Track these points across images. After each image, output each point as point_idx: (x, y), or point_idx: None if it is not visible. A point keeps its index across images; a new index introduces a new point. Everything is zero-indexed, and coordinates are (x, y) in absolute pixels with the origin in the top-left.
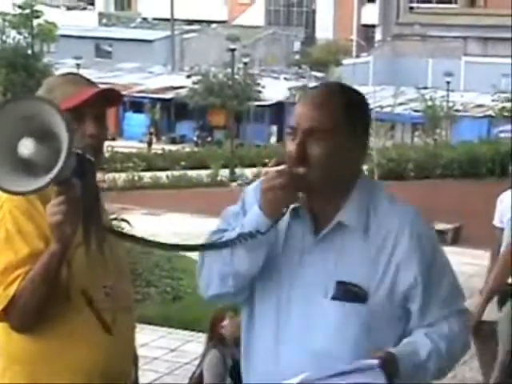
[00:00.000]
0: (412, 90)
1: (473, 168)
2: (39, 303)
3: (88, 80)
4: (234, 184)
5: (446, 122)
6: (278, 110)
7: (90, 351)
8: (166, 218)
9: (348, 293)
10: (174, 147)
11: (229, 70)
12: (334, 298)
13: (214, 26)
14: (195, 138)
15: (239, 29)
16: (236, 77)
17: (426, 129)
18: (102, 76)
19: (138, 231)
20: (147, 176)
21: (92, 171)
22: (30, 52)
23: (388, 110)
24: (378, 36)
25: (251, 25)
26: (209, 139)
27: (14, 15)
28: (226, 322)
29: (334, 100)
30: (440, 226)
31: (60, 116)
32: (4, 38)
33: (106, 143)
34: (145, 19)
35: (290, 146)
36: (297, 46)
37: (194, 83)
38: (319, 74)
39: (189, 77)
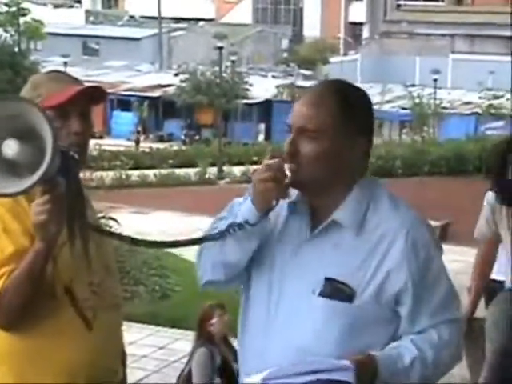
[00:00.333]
0: (399, 88)
1: (460, 165)
2: (24, 301)
3: (73, 78)
4: (222, 182)
5: (433, 120)
6: (266, 108)
7: (75, 349)
8: (154, 217)
9: (335, 290)
10: (161, 145)
11: (216, 68)
12: (320, 295)
13: (201, 23)
14: (183, 137)
15: (227, 27)
16: (224, 75)
17: (413, 126)
18: (89, 74)
19: (125, 229)
20: (135, 174)
21: (76, 169)
22: (16, 50)
23: (376, 107)
24: (365, 34)
25: (239, 23)
26: (196, 137)
27: (1, 13)
28: (214, 320)
29: (327, 99)
30: None
31: (43, 116)
32: None
33: (94, 141)
34: (132, 17)
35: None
36: (284, 43)
37: (182, 81)
38: (307, 72)
39: (176, 75)
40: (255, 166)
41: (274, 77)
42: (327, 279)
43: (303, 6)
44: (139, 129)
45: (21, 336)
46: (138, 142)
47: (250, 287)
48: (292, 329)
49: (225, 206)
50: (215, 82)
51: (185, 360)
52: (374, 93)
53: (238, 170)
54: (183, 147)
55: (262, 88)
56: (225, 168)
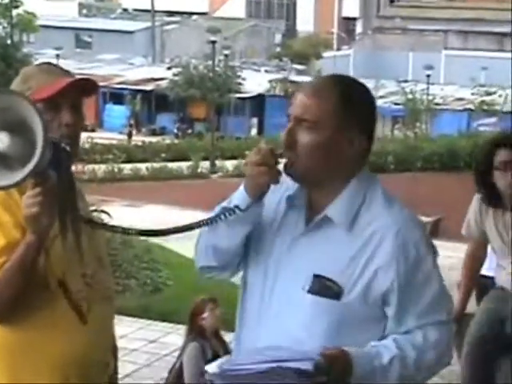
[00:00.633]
0: (392, 83)
1: (452, 161)
2: (16, 294)
3: (64, 70)
4: (215, 176)
5: (426, 115)
6: (259, 103)
7: (68, 341)
8: (146, 210)
9: (323, 287)
10: (154, 139)
11: (209, 62)
12: (309, 292)
13: (194, 17)
14: (175, 130)
15: (220, 21)
16: (217, 69)
17: (406, 122)
18: (81, 67)
19: (117, 223)
20: (127, 168)
21: (68, 161)
22: (9, 42)
23: None
24: (358, 29)
25: (232, 17)
26: (189, 131)
27: None
28: (205, 314)
29: (328, 92)
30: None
31: (34, 109)
32: None
33: (86, 134)
34: (125, 10)
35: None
36: (278, 38)
37: (175, 75)
38: (300, 67)
39: (169, 68)
40: None
41: (266, 71)
42: (316, 276)
43: (296, 1)
44: (132, 122)
45: (13, 328)
46: (130, 135)
47: (247, 280)
48: (284, 320)
49: (217, 199)
50: (208, 75)
51: (176, 354)
52: None
53: (230, 164)
54: (176, 141)
55: (254, 82)
56: (217, 162)
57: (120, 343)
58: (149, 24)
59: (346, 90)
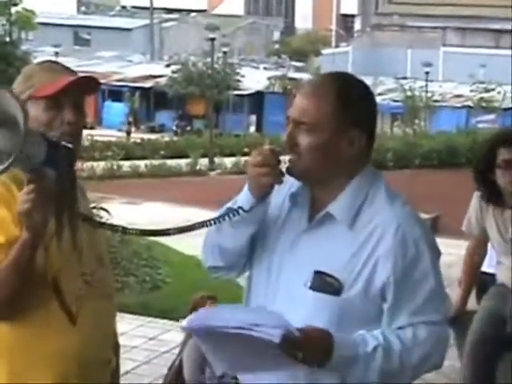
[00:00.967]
0: (391, 80)
1: (451, 158)
2: (12, 292)
3: (66, 68)
4: (213, 173)
5: (424, 112)
6: (258, 100)
7: (65, 339)
8: (145, 207)
9: (323, 283)
10: (153, 136)
11: (208, 60)
12: (310, 288)
13: (193, 14)
14: (174, 127)
15: (218, 18)
16: (215, 66)
17: (405, 119)
18: (80, 64)
19: (116, 220)
20: (126, 165)
21: (69, 159)
22: (8, 39)
23: None
24: (357, 26)
25: (231, 14)
26: (188, 128)
27: None
28: None
29: (325, 93)
30: None
31: (16, 102)
32: None
33: (85, 132)
34: (124, 7)
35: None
36: (276, 35)
37: (174, 72)
38: (299, 64)
39: (168, 66)
40: (246, 158)
41: (265, 68)
42: (317, 272)
43: None
44: (130, 119)
45: (10, 326)
46: (129, 132)
47: (252, 279)
48: (287, 317)
49: (216, 196)
50: (207, 73)
51: (175, 351)
52: None
53: (229, 162)
54: (174, 138)
55: (253, 79)
56: (216, 159)
57: (119, 340)
58: (147, 21)
59: (344, 90)
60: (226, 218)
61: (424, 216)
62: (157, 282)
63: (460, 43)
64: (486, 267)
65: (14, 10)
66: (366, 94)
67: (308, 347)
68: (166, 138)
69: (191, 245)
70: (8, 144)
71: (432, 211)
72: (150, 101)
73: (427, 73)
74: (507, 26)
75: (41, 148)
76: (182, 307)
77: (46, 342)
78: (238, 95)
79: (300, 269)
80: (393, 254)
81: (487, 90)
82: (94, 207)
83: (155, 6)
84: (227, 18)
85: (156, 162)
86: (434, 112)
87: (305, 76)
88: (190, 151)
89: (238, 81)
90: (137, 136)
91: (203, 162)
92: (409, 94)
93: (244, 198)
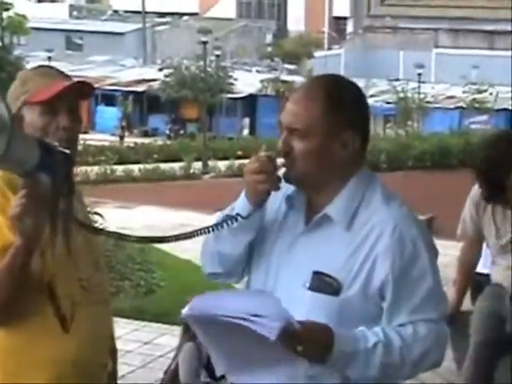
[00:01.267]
0: (383, 82)
1: (444, 159)
2: (6, 298)
3: (61, 73)
4: (207, 177)
5: (417, 114)
6: (251, 103)
7: (63, 343)
8: (139, 211)
9: (322, 284)
10: (146, 140)
11: (201, 63)
12: (309, 289)
13: (185, 18)
14: (167, 131)
15: (211, 21)
16: (208, 69)
17: (397, 120)
18: (73, 69)
19: (110, 224)
20: (120, 169)
21: (67, 165)
22: (0, 45)
23: None
24: (349, 28)
25: (223, 17)
26: (181, 132)
27: None
28: None
29: (315, 97)
30: None
31: (3, 104)
32: None
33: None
34: (116, 12)
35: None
36: (269, 38)
37: (166, 76)
38: (291, 67)
39: (161, 70)
40: (240, 161)
41: (258, 71)
42: (315, 273)
43: (287, 1)
44: (124, 124)
45: (7, 332)
46: (122, 136)
47: (250, 284)
48: None
49: (209, 200)
50: (200, 76)
51: (170, 355)
52: None
53: (222, 165)
54: (168, 142)
55: (246, 82)
56: (210, 162)
57: None
58: (140, 25)
59: (335, 93)
60: (225, 225)
61: (419, 217)
62: (151, 286)
63: (452, 45)
64: (481, 268)
65: (5, 14)
66: (357, 95)
67: (308, 340)
68: (160, 142)
69: (186, 249)
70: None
71: (426, 212)
72: (143, 105)
73: (420, 74)
74: (499, 27)
75: (34, 152)
76: (176, 311)
77: (42, 348)
78: (231, 98)
79: (298, 270)
80: (391, 253)
81: (479, 91)
82: (88, 212)
83: (147, 10)
84: (219, 21)
85: (149, 166)
86: (426, 113)
87: (297, 79)
88: (183, 155)
89: (231, 84)
90: (130, 140)
91: (197, 165)
92: (401, 95)
93: (241, 205)
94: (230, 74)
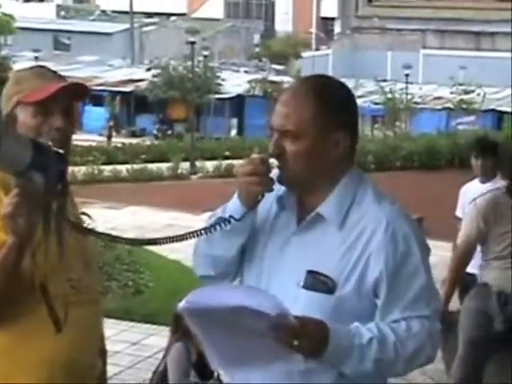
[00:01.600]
0: (371, 83)
1: (432, 160)
2: None
3: (56, 74)
4: (195, 177)
5: (405, 115)
6: (238, 103)
7: (54, 344)
8: (127, 212)
9: (316, 283)
10: (134, 140)
11: (189, 63)
12: (303, 287)
13: (173, 18)
14: (155, 131)
15: (198, 21)
16: (196, 70)
17: (385, 121)
18: (60, 69)
19: (99, 225)
20: (107, 169)
21: (60, 165)
22: None
23: None
24: (337, 29)
25: (210, 17)
26: (169, 132)
27: None
28: None
29: (305, 99)
30: None
31: None
32: None
33: None
34: (103, 12)
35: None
36: (256, 38)
37: (154, 76)
38: (279, 67)
39: (148, 70)
40: (228, 161)
41: (246, 72)
42: (309, 272)
43: (275, 1)
44: (111, 124)
45: None
46: (110, 137)
47: (243, 282)
48: None
49: (197, 200)
50: (187, 76)
51: (158, 356)
52: None
53: (210, 165)
54: (155, 142)
55: (234, 83)
56: (197, 163)
57: None
58: (127, 26)
59: (324, 93)
60: (217, 227)
61: None
62: (139, 286)
63: (440, 45)
64: (469, 268)
65: None
66: (346, 95)
67: (304, 335)
68: (147, 142)
69: (174, 249)
70: None
71: (414, 213)
72: (130, 105)
73: (407, 75)
74: (486, 28)
75: (27, 152)
76: (164, 311)
77: (33, 348)
78: (218, 99)
79: (291, 270)
80: (384, 251)
81: (467, 92)
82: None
83: (135, 10)
84: (207, 21)
85: (137, 167)
86: (414, 114)
87: (285, 79)
88: (171, 155)
89: (219, 84)
90: (118, 140)
91: (184, 165)
92: (389, 96)
93: (234, 207)
94: (218, 74)
